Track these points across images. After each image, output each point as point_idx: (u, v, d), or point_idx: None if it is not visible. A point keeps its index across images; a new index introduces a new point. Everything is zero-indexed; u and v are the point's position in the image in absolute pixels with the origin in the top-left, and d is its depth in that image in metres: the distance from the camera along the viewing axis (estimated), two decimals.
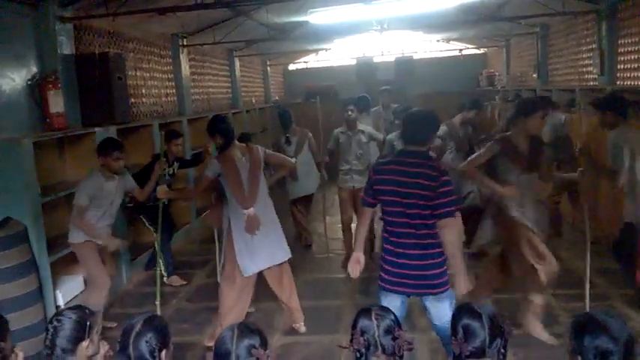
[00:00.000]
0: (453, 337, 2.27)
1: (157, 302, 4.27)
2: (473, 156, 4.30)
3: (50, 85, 5.28)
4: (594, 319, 2.13)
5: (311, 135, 6.90)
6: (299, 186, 6.81)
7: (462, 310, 2.30)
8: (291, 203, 7.06)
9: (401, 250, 3.24)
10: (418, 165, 3.22)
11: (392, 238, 3.28)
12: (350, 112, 5.93)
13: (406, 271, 3.24)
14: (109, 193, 4.57)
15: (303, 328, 4.69)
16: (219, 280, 5.96)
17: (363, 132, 5.99)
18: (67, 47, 5.76)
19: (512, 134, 4.15)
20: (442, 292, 3.26)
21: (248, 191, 4.27)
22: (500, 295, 4.74)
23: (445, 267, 3.27)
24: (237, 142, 4.46)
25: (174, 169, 6.07)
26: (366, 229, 3.54)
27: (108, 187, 4.56)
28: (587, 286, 4.20)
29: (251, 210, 4.25)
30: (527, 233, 4.03)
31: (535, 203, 4.13)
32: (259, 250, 4.29)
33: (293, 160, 5.42)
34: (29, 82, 5.27)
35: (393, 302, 3.26)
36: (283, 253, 4.48)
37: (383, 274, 3.34)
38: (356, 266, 3.42)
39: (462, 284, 3.25)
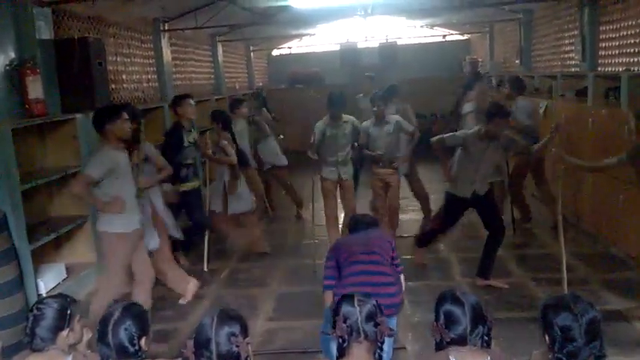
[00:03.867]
0: (435, 323, 2.29)
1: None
2: None
3: (29, 71, 5.16)
4: (560, 299, 2.23)
5: None
6: None
7: (444, 297, 2.32)
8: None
9: None
10: None
11: None
12: None
13: None
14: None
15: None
16: (205, 268, 5.99)
17: (346, 122, 5.97)
18: (45, 32, 5.62)
19: None
20: None
21: None
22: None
23: None
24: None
25: None
26: None
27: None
28: (564, 269, 4.25)
29: None
30: None
31: None
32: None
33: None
34: (7, 68, 5.14)
35: None
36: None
37: None
38: None
39: None
